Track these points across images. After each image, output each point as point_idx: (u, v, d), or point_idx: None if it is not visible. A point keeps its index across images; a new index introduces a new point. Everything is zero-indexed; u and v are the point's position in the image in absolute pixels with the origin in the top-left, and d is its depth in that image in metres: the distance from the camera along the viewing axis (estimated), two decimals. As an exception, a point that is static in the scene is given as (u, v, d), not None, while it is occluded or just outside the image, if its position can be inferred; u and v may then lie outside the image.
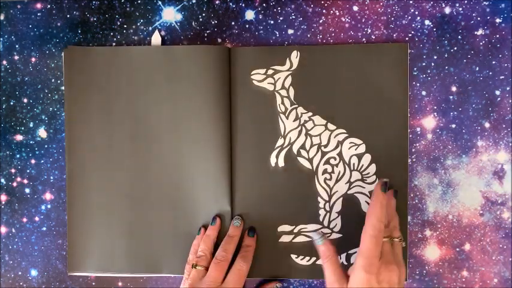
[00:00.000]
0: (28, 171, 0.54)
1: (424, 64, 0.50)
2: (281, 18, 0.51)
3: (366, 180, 0.50)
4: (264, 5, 0.52)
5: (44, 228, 0.54)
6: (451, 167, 0.51)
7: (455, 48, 0.50)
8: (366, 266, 0.41)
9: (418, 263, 0.51)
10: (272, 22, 0.52)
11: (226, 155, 0.50)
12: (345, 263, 0.51)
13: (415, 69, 0.51)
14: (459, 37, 0.50)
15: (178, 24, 0.52)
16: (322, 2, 0.51)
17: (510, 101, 0.50)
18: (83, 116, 0.52)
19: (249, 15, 0.52)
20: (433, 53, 0.50)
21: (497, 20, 0.50)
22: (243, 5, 0.52)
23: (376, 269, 0.41)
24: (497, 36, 0.50)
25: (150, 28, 0.52)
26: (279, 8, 0.52)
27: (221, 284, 0.46)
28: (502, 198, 0.51)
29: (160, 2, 0.52)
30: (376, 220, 0.42)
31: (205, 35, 0.52)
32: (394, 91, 0.50)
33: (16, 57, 0.53)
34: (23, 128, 0.54)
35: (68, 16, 0.53)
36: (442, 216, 0.51)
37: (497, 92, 0.50)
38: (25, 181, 0.54)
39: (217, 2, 0.52)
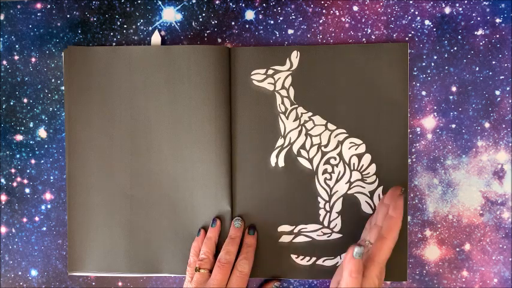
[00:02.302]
0: (28, 171, 0.54)
1: (424, 64, 0.50)
2: (281, 18, 0.51)
3: (366, 180, 0.50)
4: (264, 5, 0.52)
5: (44, 228, 0.54)
6: (451, 167, 0.51)
7: (455, 48, 0.50)
8: (378, 274, 0.41)
9: (418, 263, 0.51)
10: (272, 22, 0.52)
11: (226, 155, 0.50)
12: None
13: (415, 69, 0.51)
14: (459, 37, 0.50)
15: (178, 24, 0.52)
16: (322, 2, 0.51)
17: (510, 101, 0.50)
18: (83, 116, 0.52)
19: (249, 15, 0.52)
20: (433, 53, 0.50)
21: (497, 20, 0.50)
22: (243, 5, 0.52)
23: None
24: (497, 36, 0.50)
25: (150, 28, 0.52)
26: (279, 8, 0.52)
27: (225, 286, 0.46)
28: (502, 198, 0.50)
29: (160, 2, 0.52)
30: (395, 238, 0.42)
31: (205, 35, 0.52)
32: (394, 91, 0.50)
33: (16, 57, 0.53)
34: (23, 128, 0.54)
35: (68, 16, 0.53)
36: (442, 216, 0.51)
37: (497, 92, 0.50)
38: (25, 181, 0.54)
39: (217, 2, 0.52)
